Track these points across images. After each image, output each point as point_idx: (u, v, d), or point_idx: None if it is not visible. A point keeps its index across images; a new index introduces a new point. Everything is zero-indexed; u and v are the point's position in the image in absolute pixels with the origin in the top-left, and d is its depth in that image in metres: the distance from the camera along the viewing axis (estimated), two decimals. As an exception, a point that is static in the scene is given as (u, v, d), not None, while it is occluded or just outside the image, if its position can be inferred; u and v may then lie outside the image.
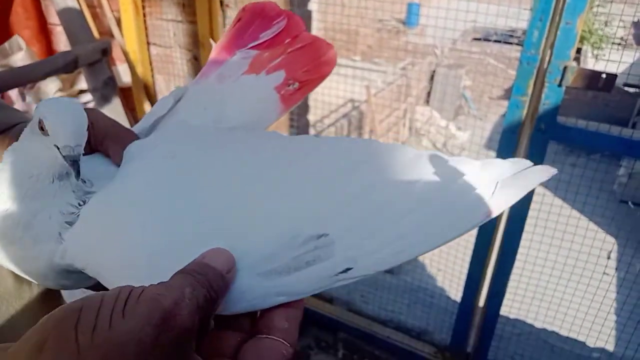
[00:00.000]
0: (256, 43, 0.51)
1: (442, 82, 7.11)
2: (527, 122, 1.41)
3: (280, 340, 0.33)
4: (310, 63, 0.51)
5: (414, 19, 5.48)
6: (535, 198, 1.49)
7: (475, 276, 1.72)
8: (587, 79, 1.28)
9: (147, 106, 2.34)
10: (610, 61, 1.40)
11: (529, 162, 0.40)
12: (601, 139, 1.36)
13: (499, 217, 1.53)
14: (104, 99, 2.22)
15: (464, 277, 1.77)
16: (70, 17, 2.10)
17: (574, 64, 1.29)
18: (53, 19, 2.60)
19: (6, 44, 2.45)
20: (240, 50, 0.51)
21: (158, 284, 0.31)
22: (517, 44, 1.83)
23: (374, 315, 2.14)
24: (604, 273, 1.69)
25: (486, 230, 1.58)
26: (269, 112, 0.50)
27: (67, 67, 1.95)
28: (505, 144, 1.46)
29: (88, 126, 0.39)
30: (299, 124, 2.26)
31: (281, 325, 0.34)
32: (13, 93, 2.47)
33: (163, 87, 2.32)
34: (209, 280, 0.32)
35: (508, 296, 1.74)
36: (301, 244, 0.36)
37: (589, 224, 1.72)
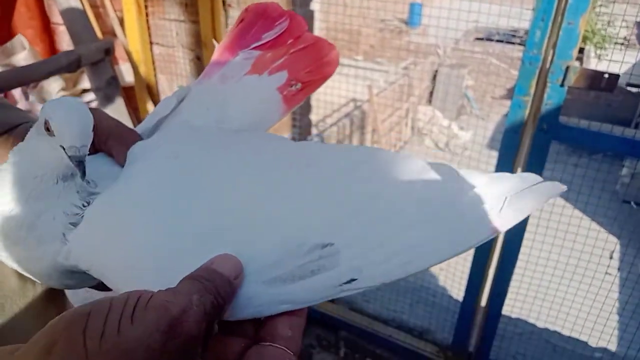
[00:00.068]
0: (259, 44, 0.51)
1: (445, 81, 7.10)
2: (530, 122, 1.41)
3: (284, 348, 0.33)
4: (312, 64, 0.51)
5: (416, 19, 5.48)
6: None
7: (478, 275, 1.72)
8: (590, 79, 1.28)
9: (149, 105, 2.34)
10: (613, 61, 1.39)
11: (538, 178, 0.39)
12: (603, 139, 1.35)
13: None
14: (107, 99, 2.23)
15: (466, 276, 1.77)
16: (73, 17, 2.10)
17: (577, 64, 1.29)
18: (56, 18, 2.61)
19: (9, 43, 2.45)
20: (242, 50, 0.51)
21: (166, 290, 0.31)
22: (519, 44, 1.83)
23: (376, 314, 2.14)
24: (606, 273, 1.69)
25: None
26: (271, 113, 0.50)
27: (70, 66, 1.95)
28: (508, 144, 1.46)
29: (93, 126, 0.39)
30: (301, 124, 2.26)
31: (285, 334, 0.34)
32: (16, 92, 2.48)
33: (165, 87, 2.33)
34: (217, 286, 0.32)
35: (510, 296, 1.74)
36: (306, 253, 0.36)
37: (591, 224, 1.72)
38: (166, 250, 0.36)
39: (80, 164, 0.36)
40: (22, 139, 0.43)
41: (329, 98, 2.49)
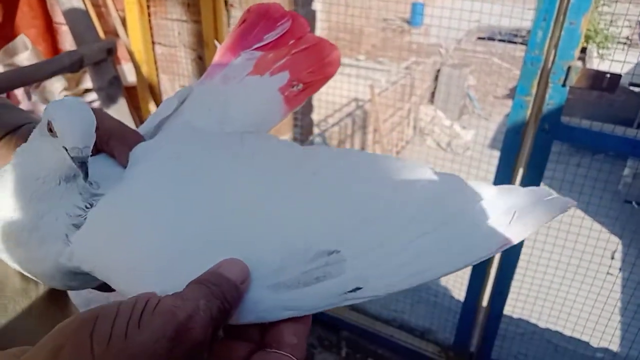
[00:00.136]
0: (261, 44, 0.51)
1: (447, 81, 7.10)
2: (531, 122, 1.41)
3: (289, 355, 0.33)
4: (314, 64, 0.51)
5: (419, 19, 5.47)
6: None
7: (479, 276, 1.72)
8: (591, 79, 1.28)
9: (151, 105, 2.34)
10: (615, 61, 1.39)
11: (548, 192, 0.38)
12: (605, 139, 1.35)
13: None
14: (109, 98, 2.23)
15: (467, 276, 1.77)
16: (75, 17, 2.11)
17: (578, 64, 1.29)
18: (59, 18, 2.61)
19: (12, 43, 2.46)
20: (244, 51, 0.51)
21: (173, 294, 0.31)
22: (521, 43, 1.83)
23: (378, 314, 2.14)
24: (608, 273, 1.69)
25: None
26: (273, 113, 0.50)
27: (72, 66, 1.96)
28: (509, 144, 1.46)
29: (96, 127, 0.39)
30: (303, 123, 2.26)
31: (290, 341, 0.34)
32: (19, 92, 2.49)
33: (168, 87, 2.33)
34: (223, 291, 0.32)
35: (512, 296, 1.74)
36: (312, 259, 0.35)
37: (592, 224, 1.72)
38: (170, 252, 0.36)
39: (82, 165, 0.36)
40: (25, 140, 0.43)
41: (331, 98, 2.49)
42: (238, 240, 0.37)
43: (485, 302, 1.79)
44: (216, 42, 0.60)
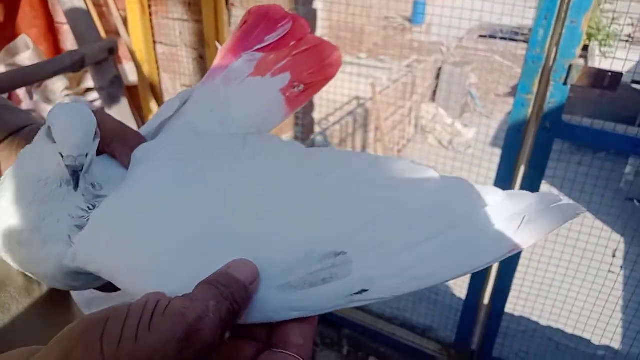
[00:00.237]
0: (262, 46, 0.52)
1: (448, 79, 7.08)
2: (533, 120, 1.41)
3: (296, 356, 0.34)
4: (315, 65, 0.51)
5: (420, 17, 5.46)
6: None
7: (480, 273, 1.72)
8: (593, 78, 1.28)
9: (153, 104, 2.35)
10: (617, 59, 1.39)
11: (557, 197, 0.38)
12: (606, 138, 1.35)
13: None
14: (111, 98, 2.24)
15: (468, 274, 1.76)
16: (77, 17, 2.11)
17: (580, 62, 1.29)
18: (60, 17, 2.62)
19: (13, 43, 2.47)
20: (245, 52, 0.52)
21: (183, 296, 0.31)
22: (523, 41, 1.83)
23: (379, 312, 2.14)
24: (609, 271, 1.69)
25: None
26: (274, 114, 0.50)
27: (74, 66, 1.96)
28: (510, 142, 1.46)
29: (98, 128, 0.39)
30: (304, 122, 2.27)
31: (297, 341, 0.34)
32: (21, 92, 2.49)
33: (169, 86, 2.33)
34: (233, 292, 0.32)
35: (513, 294, 1.74)
36: (318, 260, 0.35)
37: (594, 222, 1.72)
38: (175, 253, 0.36)
39: (74, 173, 0.36)
40: (27, 141, 0.44)
41: (332, 96, 2.49)
42: (244, 241, 0.37)
43: (486, 300, 1.80)
44: (217, 43, 0.61)
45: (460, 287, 2.17)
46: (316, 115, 2.64)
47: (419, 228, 0.37)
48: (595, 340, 1.89)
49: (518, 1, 1.57)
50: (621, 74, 1.25)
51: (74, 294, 0.61)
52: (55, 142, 0.37)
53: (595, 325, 1.73)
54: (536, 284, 1.82)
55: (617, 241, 1.83)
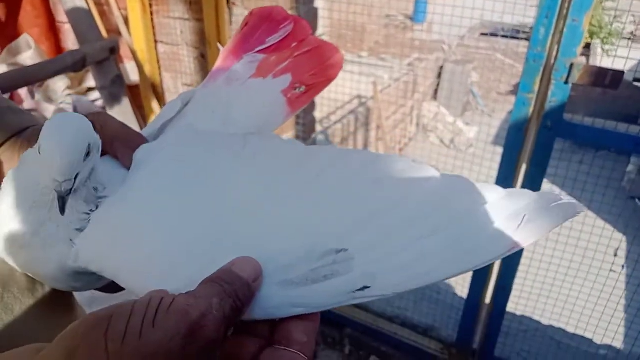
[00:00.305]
0: (263, 47, 0.52)
1: (450, 78, 7.07)
2: (534, 119, 1.41)
3: (299, 353, 0.34)
4: (316, 67, 0.51)
5: (421, 15, 5.45)
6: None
7: (482, 273, 1.72)
8: (594, 76, 1.27)
9: (154, 104, 2.35)
10: (619, 57, 1.39)
11: (557, 196, 0.38)
12: (608, 136, 1.35)
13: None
14: (112, 97, 2.24)
15: (470, 273, 1.77)
16: (78, 16, 2.11)
17: (581, 60, 1.29)
18: (61, 17, 2.62)
19: (15, 43, 2.47)
20: (247, 54, 0.52)
21: (187, 293, 0.31)
22: (525, 39, 1.83)
23: (381, 311, 2.15)
24: (611, 270, 1.69)
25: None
26: (275, 116, 0.50)
27: (75, 65, 1.97)
28: (512, 141, 1.46)
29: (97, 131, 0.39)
30: (305, 121, 2.27)
31: (300, 339, 0.34)
32: (22, 91, 2.50)
33: (170, 85, 2.34)
34: (236, 290, 0.32)
35: (514, 293, 1.74)
36: (320, 257, 0.36)
37: (595, 221, 1.71)
38: (178, 251, 0.37)
39: (60, 199, 0.36)
40: (30, 142, 0.44)
41: (333, 95, 2.49)
42: (245, 239, 0.37)
43: (488, 299, 1.80)
44: (219, 45, 0.61)
45: (461, 286, 2.17)
46: (317, 114, 2.64)
47: (419, 225, 0.37)
48: (597, 340, 1.89)
49: None
50: (622, 72, 1.25)
51: (76, 293, 0.61)
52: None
53: (597, 324, 1.73)
54: (538, 283, 1.82)
55: (618, 240, 1.83)
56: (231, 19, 1.99)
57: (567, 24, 1.24)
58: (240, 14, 1.98)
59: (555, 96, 1.33)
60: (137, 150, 0.44)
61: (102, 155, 0.45)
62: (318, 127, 3.30)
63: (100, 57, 2.10)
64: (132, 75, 2.41)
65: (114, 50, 2.15)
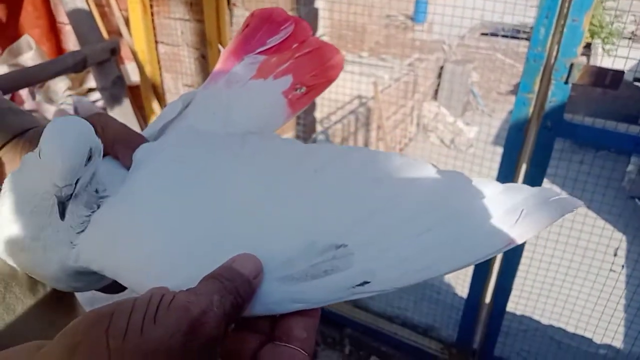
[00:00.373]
0: (264, 48, 0.52)
1: (450, 78, 7.07)
2: (534, 119, 1.41)
3: (299, 349, 0.34)
4: (317, 67, 0.51)
5: (422, 15, 5.45)
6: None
7: (482, 272, 1.72)
8: (594, 76, 1.28)
9: (155, 104, 2.35)
10: (620, 57, 1.39)
11: (555, 191, 0.38)
12: (608, 136, 1.36)
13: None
14: (113, 98, 2.24)
15: (470, 273, 1.77)
16: (79, 18, 2.12)
17: (581, 60, 1.29)
18: (62, 17, 2.63)
19: (16, 44, 2.47)
20: (248, 55, 0.52)
21: (187, 290, 0.32)
22: (525, 39, 1.83)
23: (381, 311, 2.15)
24: (611, 270, 1.69)
25: (493, 228, 1.58)
26: (276, 117, 0.50)
27: (76, 66, 1.97)
28: (512, 141, 1.46)
29: (98, 132, 0.39)
30: (306, 122, 2.27)
31: (300, 335, 0.35)
32: (23, 92, 2.50)
33: (171, 86, 2.34)
34: (237, 286, 0.32)
35: (514, 293, 1.74)
36: (320, 253, 0.36)
37: (595, 221, 1.72)
38: (178, 248, 0.37)
39: (60, 204, 0.36)
40: (32, 144, 0.44)
41: (334, 95, 2.49)
42: (245, 236, 0.37)
43: (488, 299, 1.80)
44: (220, 46, 0.61)
45: (461, 286, 2.17)
46: (318, 114, 2.64)
47: (418, 221, 0.37)
48: (597, 339, 1.89)
49: None
50: (622, 72, 1.25)
51: (77, 294, 0.62)
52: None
53: (597, 324, 1.73)
54: (538, 283, 1.82)
55: (618, 240, 1.83)
56: (232, 19, 2.00)
57: (567, 24, 1.24)
58: (240, 14, 1.98)
59: (555, 96, 1.33)
60: (136, 149, 0.44)
61: (103, 156, 0.45)
62: (318, 128, 3.30)
63: (101, 58, 2.10)
64: (133, 76, 2.42)
65: (114, 51, 2.16)
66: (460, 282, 2.15)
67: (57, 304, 0.55)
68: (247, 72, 0.51)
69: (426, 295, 2.19)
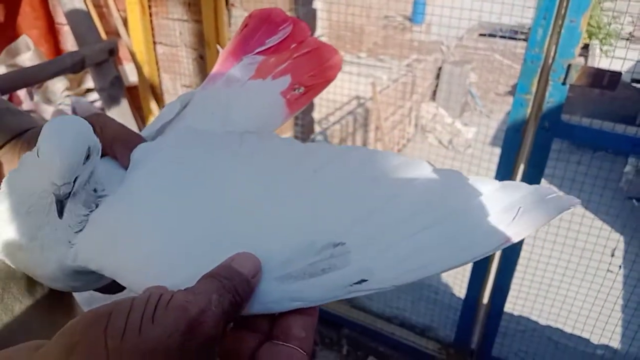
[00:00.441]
0: (262, 48, 0.52)
1: (448, 79, 7.07)
2: (532, 120, 1.41)
3: (298, 349, 0.34)
4: (315, 68, 0.52)
5: (420, 16, 5.46)
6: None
7: (480, 273, 1.73)
8: (592, 77, 1.28)
9: (153, 105, 2.35)
10: (617, 58, 1.40)
11: (551, 190, 0.38)
12: (605, 137, 1.36)
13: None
14: (111, 99, 2.24)
15: (468, 273, 1.77)
16: (77, 18, 2.12)
17: (579, 61, 1.29)
18: (60, 18, 2.62)
19: (14, 44, 2.47)
20: (246, 55, 0.52)
21: (185, 289, 0.32)
22: (523, 40, 1.83)
23: (378, 311, 2.15)
24: (608, 270, 1.69)
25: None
26: (274, 117, 0.50)
27: (74, 67, 1.97)
28: (509, 142, 1.46)
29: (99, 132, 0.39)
30: (304, 122, 2.27)
31: (298, 334, 0.35)
32: (21, 92, 2.50)
33: (169, 86, 2.34)
34: (235, 285, 0.32)
35: (512, 293, 1.74)
36: (318, 251, 0.36)
37: (593, 221, 1.72)
38: (177, 247, 0.37)
39: (58, 202, 0.36)
40: (30, 144, 0.44)
41: (332, 96, 2.49)
42: (244, 236, 0.37)
43: (485, 299, 1.80)
44: (218, 46, 0.61)
45: (459, 287, 2.17)
46: (316, 115, 2.64)
47: (415, 219, 0.37)
48: (595, 339, 1.90)
49: (517, 0, 1.58)
50: (620, 73, 1.26)
51: (76, 294, 0.62)
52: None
53: (594, 324, 1.74)
54: (535, 283, 1.82)
55: (616, 240, 1.84)
56: (230, 20, 2.00)
57: (564, 25, 1.24)
58: (238, 15, 1.98)
59: (553, 97, 1.33)
60: (134, 149, 0.44)
61: (101, 156, 0.45)
62: (317, 128, 3.30)
63: (99, 58, 2.10)
64: (131, 76, 2.42)
65: (112, 52, 2.16)
66: (458, 283, 2.15)
67: (55, 304, 0.55)
68: (246, 72, 0.51)
69: (424, 296, 2.19)
